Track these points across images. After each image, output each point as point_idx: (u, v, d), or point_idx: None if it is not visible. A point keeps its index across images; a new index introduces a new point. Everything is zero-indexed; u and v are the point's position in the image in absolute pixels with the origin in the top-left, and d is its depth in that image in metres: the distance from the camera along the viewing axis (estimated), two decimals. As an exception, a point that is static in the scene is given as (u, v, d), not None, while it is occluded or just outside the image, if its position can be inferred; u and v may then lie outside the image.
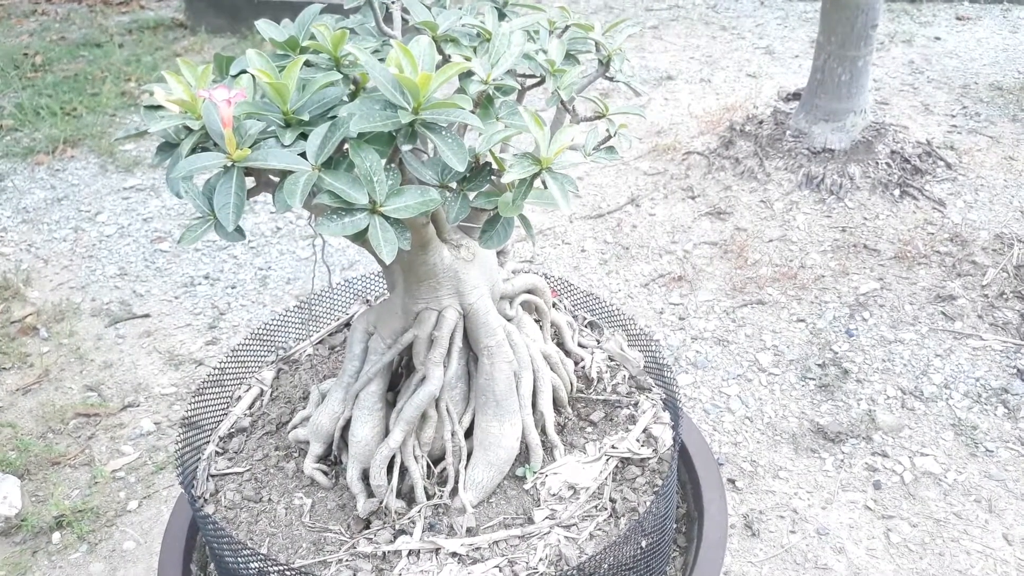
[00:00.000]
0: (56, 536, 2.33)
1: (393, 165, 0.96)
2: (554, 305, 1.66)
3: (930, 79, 4.34)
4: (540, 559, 1.20)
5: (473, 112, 1.07)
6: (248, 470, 1.40)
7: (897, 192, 3.21)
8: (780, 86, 4.23)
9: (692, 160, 3.67)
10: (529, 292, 1.46)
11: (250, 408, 1.54)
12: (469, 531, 1.26)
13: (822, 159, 3.29)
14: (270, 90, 0.97)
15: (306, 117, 0.99)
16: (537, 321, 1.51)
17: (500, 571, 1.19)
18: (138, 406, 2.78)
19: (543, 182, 0.94)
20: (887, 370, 2.63)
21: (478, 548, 1.22)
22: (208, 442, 1.44)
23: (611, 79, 1.19)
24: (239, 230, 0.99)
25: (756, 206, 3.33)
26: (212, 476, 1.39)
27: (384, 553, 1.22)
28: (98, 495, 2.46)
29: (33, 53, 5.31)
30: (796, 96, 3.67)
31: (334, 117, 1.00)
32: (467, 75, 1.02)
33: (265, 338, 1.74)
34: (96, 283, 3.36)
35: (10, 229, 3.74)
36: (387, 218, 0.90)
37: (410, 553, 1.22)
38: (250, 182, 1.04)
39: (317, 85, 0.99)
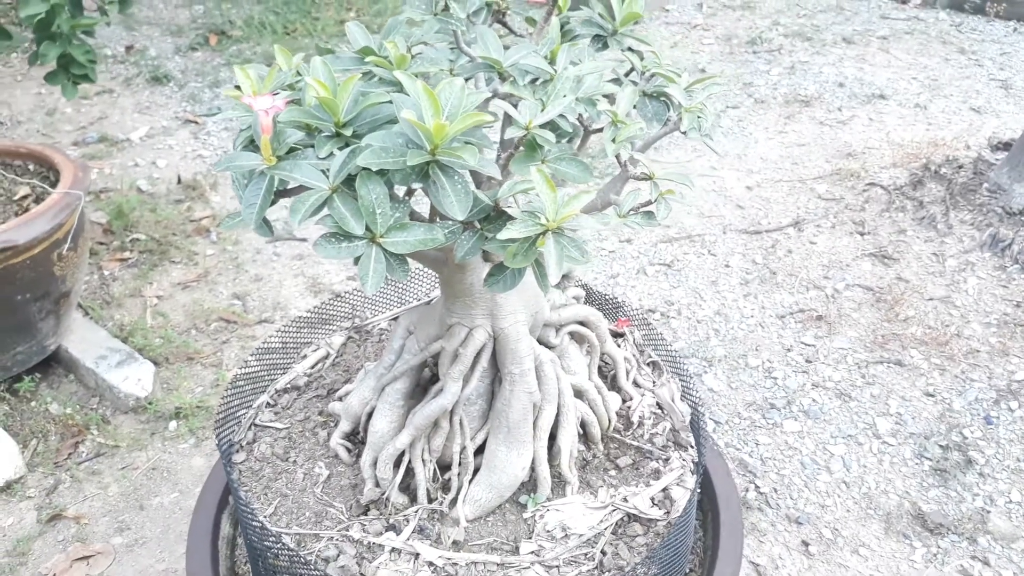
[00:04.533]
0: (172, 424, 2.59)
1: (408, 197, 0.98)
2: (621, 335, 1.64)
3: None
4: (509, 592, 1.21)
5: (514, 153, 1.07)
6: (287, 428, 1.50)
7: (1096, 276, 2.85)
8: (1001, 130, 3.82)
9: (873, 193, 3.42)
10: (581, 323, 1.44)
11: (312, 368, 1.64)
12: (455, 544, 1.29)
13: (1016, 223, 2.97)
14: (322, 103, 1.02)
15: (349, 132, 1.02)
16: (589, 352, 1.50)
17: (468, 593, 1.21)
18: (272, 323, 3.00)
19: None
20: (1019, 471, 2.38)
21: (455, 564, 1.25)
22: (263, 392, 1.55)
23: (684, 134, 1.14)
24: (267, 224, 1.05)
25: (927, 258, 3.06)
26: (255, 425, 1.50)
27: (369, 544, 1.28)
28: (216, 397, 2.69)
29: (275, -31, 5.68)
30: (1007, 146, 3.31)
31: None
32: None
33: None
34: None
35: (213, 134, 4.09)
36: (385, 250, 0.93)
37: (392, 551, 1.27)
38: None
39: (367, 103, 1.03)
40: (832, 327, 2.87)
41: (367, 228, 0.93)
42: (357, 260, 0.93)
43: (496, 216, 1.01)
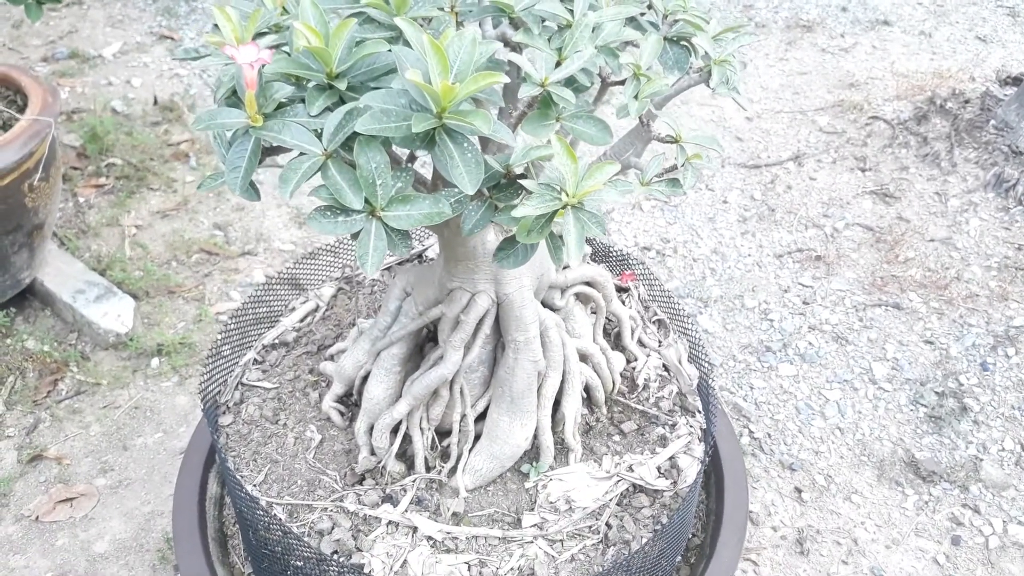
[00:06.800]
0: (155, 362, 2.52)
1: (410, 165, 0.88)
2: (627, 290, 1.56)
3: None
4: (511, 568, 1.17)
5: (528, 110, 0.97)
6: (276, 388, 1.43)
7: (1100, 219, 2.79)
8: (1008, 61, 3.70)
9: (876, 127, 3.32)
10: (587, 284, 1.36)
11: (301, 322, 1.55)
12: (455, 515, 1.24)
13: (1022, 162, 2.89)
14: (313, 52, 0.91)
15: (343, 85, 0.92)
16: (594, 312, 1.43)
17: (468, 569, 1.17)
18: (255, 255, 2.91)
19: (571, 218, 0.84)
20: (1013, 419, 2.37)
21: (455, 538, 1.20)
22: (250, 347, 1.47)
23: (713, 90, 1.04)
24: (253, 187, 0.95)
25: (929, 197, 2.99)
26: (242, 385, 1.43)
27: (365, 516, 1.22)
28: (198, 333, 2.62)
29: None
30: (1016, 81, 3.21)
31: (378, 88, 0.93)
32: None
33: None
34: (250, 123, 3.47)
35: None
36: (387, 225, 0.84)
37: (389, 524, 1.22)
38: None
39: (362, 52, 0.92)
40: (831, 268, 2.81)
41: (366, 201, 0.83)
42: (356, 236, 0.84)
43: (507, 184, 0.92)
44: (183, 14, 4.11)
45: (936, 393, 2.43)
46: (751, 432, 2.36)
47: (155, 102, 3.52)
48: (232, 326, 1.52)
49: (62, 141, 3.20)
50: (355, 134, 0.83)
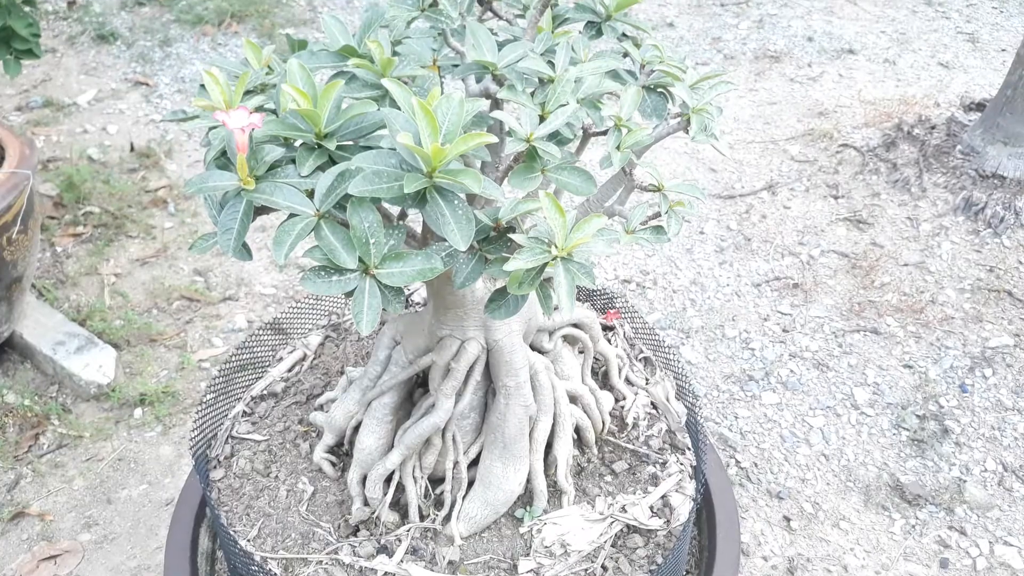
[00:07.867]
0: (138, 412, 2.50)
1: (402, 222, 0.90)
2: (612, 329, 1.58)
3: None
4: (509, 615, 1.17)
5: (514, 164, 0.99)
6: (266, 440, 1.43)
7: (1068, 239, 2.85)
8: (970, 86, 3.80)
9: (846, 155, 3.38)
10: (574, 326, 1.38)
11: (289, 371, 1.56)
12: (451, 564, 1.25)
13: (989, 185, 2.96)
14: (303, 114, 0.92)
15: (333, 144, 0.93)
16: (582, 352, 1.44)
17: (466, 617, 1.17)
18: (236, 300, 2.90)
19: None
20: (994, 439, 2.40)
21: (452, 587, 1.20)
22: (239, 400, 1.47)
23: (692, 139, 1.07)
24: (246, 248, 0.96)
25: (901, 222, 3.05)
26: (232, 438, 1.42)
27: (361, 568, 1.22)
28: (181, 381, 2.60)
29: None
30: (980, 107, 3.29)
31: (367, 148, 0.95)
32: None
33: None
34: (228, 168, 3.47)
35: (165, 96, 3.91)
36: (380, 283, 0.85)
37: (385, 574, 1.21)
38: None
39: (351, 113, 0.94)
40: (808, 295, 2.85)
41: (360, 260, 0.85)
42: (349, 294, 0.85)
43: (497, 237, 0.93)
44: (158, 60, 4.12)
45: (917, 416, 2.46)
46: (738, 462, 2.38)
47: (132, 149, 3.52)
48: (219, 380, 1.52)
49: (39, 191, 3.19)
50: (347, 195, 0.85)
